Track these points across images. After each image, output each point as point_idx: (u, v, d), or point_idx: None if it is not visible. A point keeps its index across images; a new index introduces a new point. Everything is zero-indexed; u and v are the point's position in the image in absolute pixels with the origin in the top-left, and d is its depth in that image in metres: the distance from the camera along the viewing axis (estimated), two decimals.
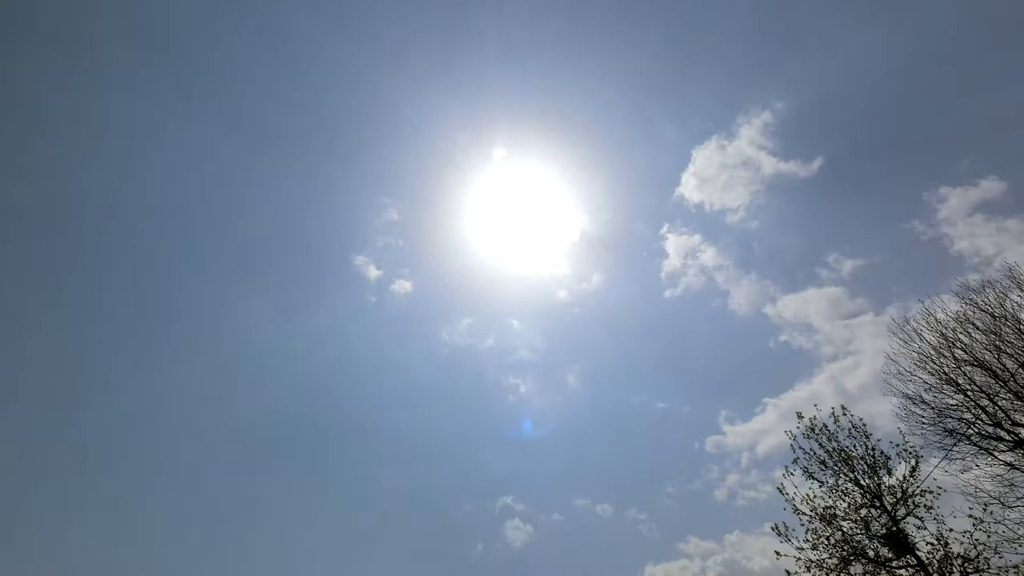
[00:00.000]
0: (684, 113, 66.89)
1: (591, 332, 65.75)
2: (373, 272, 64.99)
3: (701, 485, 50.01)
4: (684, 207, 62.46)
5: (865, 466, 13.93)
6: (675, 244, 62.51)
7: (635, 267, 67.99)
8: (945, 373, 14.12)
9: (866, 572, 13.32)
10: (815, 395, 46.11)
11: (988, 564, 12.14)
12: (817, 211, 61.29)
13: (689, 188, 61.25)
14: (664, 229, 64.32)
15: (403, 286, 65.02)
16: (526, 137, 66.44)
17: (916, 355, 14.49)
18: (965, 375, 13.88)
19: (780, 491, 14.30)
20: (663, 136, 67.03)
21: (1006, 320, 13.55)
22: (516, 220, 69.89)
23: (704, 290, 61.38)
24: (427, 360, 64.72)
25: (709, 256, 60.53)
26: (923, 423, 14.24)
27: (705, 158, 60.96)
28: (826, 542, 13.68)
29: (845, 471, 14.05)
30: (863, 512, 13.73)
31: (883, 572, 13.19)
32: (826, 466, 14.29)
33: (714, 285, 60.61)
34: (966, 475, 13.48)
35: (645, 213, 68.25)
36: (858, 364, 48.16)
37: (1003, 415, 13.31)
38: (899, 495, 13.53)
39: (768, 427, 48.54)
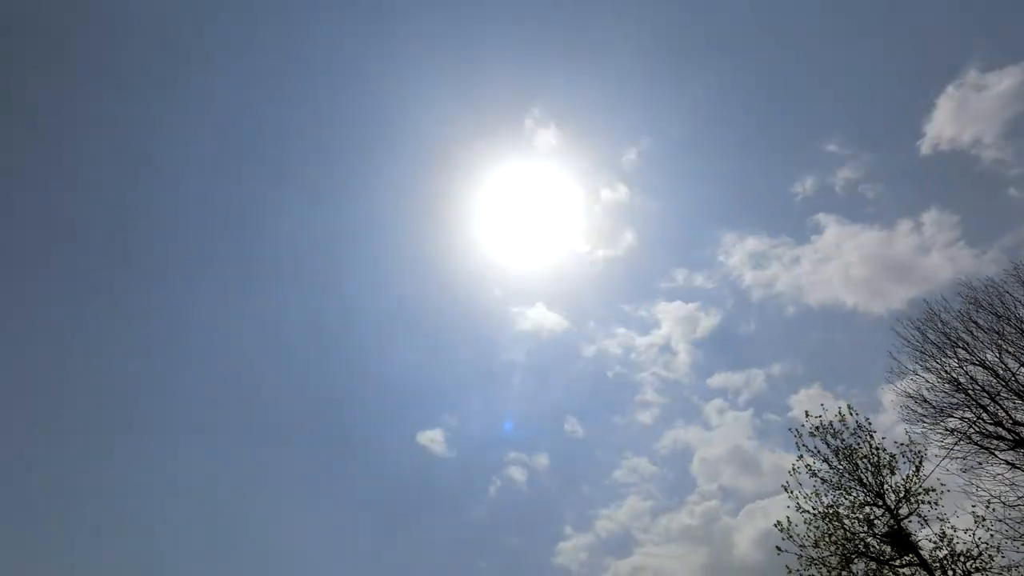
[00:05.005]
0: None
1: None
2: None
3: None
4: None
5: (869, 464, 13.86)
6: None
7: None
8: (947, 372, 14.13)
9: (868, 570, 13.26)
10: None
11: (991, 562, 12.15)
12: None
13: None
14: None
15: None
16: None
17: (919, 354, 14.50)
18: (967, 374, 13.91)
19: (784, 488, 14.19)
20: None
21: (1009, 320, 13.60)
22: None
23: None
24: None
25: None
26: (924, 421, 14.25)
27: None
28: (828, 540, 13.58)
29: (849, 469, 13.97)
30: (866, 510, 13.67)
31: (885, 570, 13.14)
32: (830, 464, 14.20)
33: None
34: (967, 474, 13.51)
35: None
36: None
37: (1004, 414, 13.36)
38: (902, 494, 13.49)
39: None
